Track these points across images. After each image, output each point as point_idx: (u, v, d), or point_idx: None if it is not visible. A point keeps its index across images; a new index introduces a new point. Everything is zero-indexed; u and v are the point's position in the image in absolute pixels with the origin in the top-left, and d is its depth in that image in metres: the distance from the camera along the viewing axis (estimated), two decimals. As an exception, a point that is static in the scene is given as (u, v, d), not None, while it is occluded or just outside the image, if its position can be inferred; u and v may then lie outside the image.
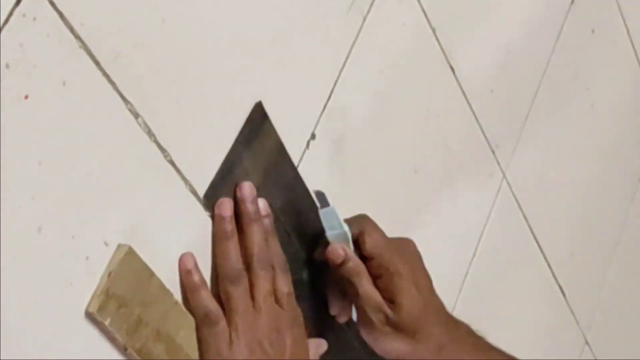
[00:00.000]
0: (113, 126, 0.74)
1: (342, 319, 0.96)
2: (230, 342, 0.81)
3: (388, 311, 0.91)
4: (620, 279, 1.57)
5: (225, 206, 0.83)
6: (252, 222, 0.84)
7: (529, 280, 1.34)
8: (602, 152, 1.48)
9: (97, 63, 0.72)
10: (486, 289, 1.01)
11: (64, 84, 0.70)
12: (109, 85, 0.73)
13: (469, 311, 1.21)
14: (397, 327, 0.91)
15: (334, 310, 0.96)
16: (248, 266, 0.84)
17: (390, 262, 0.92)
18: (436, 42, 1.09)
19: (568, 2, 1.32)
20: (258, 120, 0.87)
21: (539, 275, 1.37)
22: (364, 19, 0.98)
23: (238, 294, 0.82)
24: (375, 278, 0.92)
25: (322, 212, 0.92)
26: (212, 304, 0.81)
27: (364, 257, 0.93)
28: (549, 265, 1.37)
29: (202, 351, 0.81)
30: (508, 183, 1.26)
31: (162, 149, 0.79)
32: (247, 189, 0.85)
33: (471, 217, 1.21)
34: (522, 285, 1.33)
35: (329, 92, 0.96)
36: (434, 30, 1.08)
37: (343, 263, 0.92)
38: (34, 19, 0.67)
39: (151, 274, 0.77)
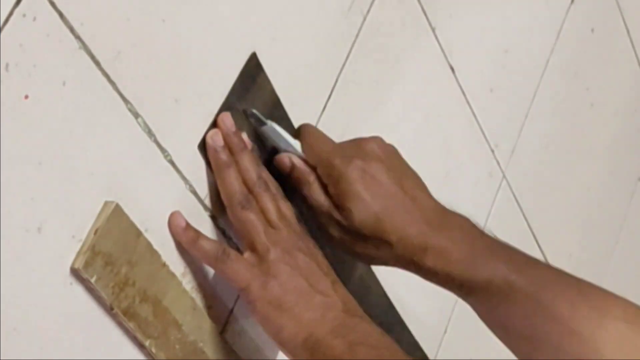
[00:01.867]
0: (113, 126, 0.74)
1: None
2: (260, 259, 0.81)
3: (339, 217, 0.86)
4: (620, 279, 1.57)
5: (218, 137, 0.82)
6: (241, 152, 0.83)
7: (528, 280, 1.34)
8: (602, 152, 1.48)
9: (97, 63, 0.72)
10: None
11: (64, 84, 0.70)
12: (109, 85, 0.73)
13: (468, 311, 1.21)
14: (354, 234, 0.86)
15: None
16: (252, 192, 0.83)
17: (333, 167, 0.86)
18: (436, 42, 1.09)
19: (568, 2, 1.32)
20: (253, 72, 0.86)
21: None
22: (364, 19, 0.98)
23: (253, 215, 0.82)
24: (325, 186, 0.86)
25: (265, 130, 0.87)
26: (214, 244, 0.81)
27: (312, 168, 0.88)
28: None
29: (235, 286, 0.81)
30: (508, 183, 1.26)
31: (162, 149, 0.79)
32: (228, 121, 0.83)
33: (471, 217, 1.21)
34: (522, 285, 1.32)
35: (329, 92, 0.96)
36: (434, 30, 1.08)
37: (290, 172, 0.87)
38: (34, 19, 0.67)
39: (139, 233, 0.77)
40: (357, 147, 0.88)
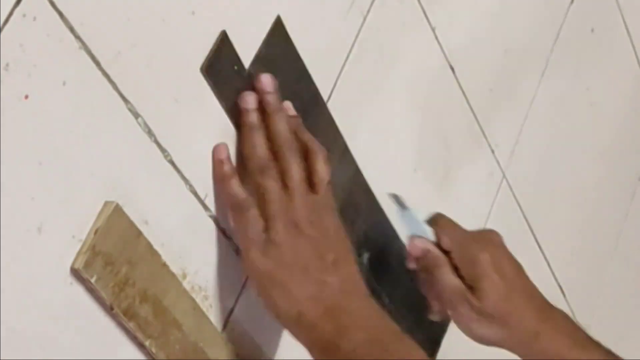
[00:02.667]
0: (113, 126, 0.74)
1: (437, 318, 0.99)
2: (267, 227, 0.81)
3: (471, 298, 0.93)
4: (620, 278, 1.57)
5: (249, 99, 0.83)
6: (274, 112, 0.83)
7: (528, 280, 1.34)
8: (602, 152, 1.48)
9: (97, 63, 0.72)
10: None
11: (64, 84, 0.70)
12: (109, 85, 0.73)
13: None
14: (484, 314, 0.93)
15: (434, 315, 0.98)
16: (277, 154, 0.83)
17: (468, 251, 0.94)
18: (436, 42, 1.09)
19: (568, 1, 1.32)
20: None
21: (539, 275, 1.36)
22: (364, 19, 0.98)
23: (268, 182, 0.82)
24: (457, 269, 0.94)
25: (402, 215, 0.95)
26: (241, 193, 0.81)
27: (444, 252, 0.95)
28: (549, 265, 1.37)
29: (240, 240, 0.82)
30: (508, 183, 1.26)
31: (162, 149, 0.79)
32: (266, 80, 0.83)
33: (471, 217, 1.21)
34: (522, 285, 1.32)
35: (329, 92, 0.96)
36: (434, 30, 1.08)
37: (424, 256, 0.95)
38: (34, 19, 0.67)
39: (138, 233, 0.77)
40: (484, 234, 0.99)
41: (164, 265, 0.79)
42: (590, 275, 1.50)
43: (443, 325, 1.11)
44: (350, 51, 0.97)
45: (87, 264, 0.72)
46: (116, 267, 0.75)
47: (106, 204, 0.74)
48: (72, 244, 0.72)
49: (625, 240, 1.58)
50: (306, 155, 0.84)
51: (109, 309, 0.75)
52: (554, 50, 1.30)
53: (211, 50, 0.81)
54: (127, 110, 0.75)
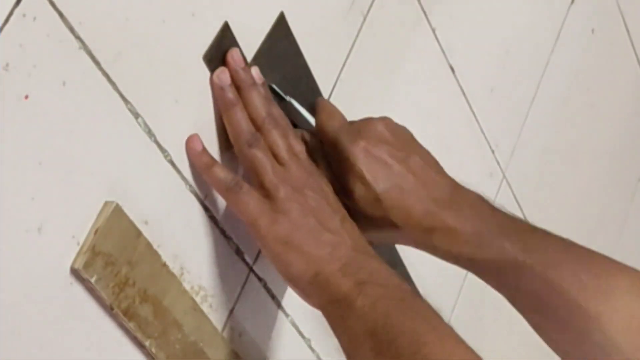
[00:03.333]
0: (113, 126, 0.74)
1: None
2: (269, 196, 0.80)
3: (343, 198, 0.85)
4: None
5: (224, 75, 0.82)
6: (250, 88, 0.83)
7: (529, 280, 1.34)
8: (602, 152, 1.48)
9: (97, 63, 0.72)
10: (486, 289, 1.00)
11: (64, 84, 0.70)
12: (109, 85, 0.73)
13: (468, 311, 1.21)
14: (360, 214, 0.85)
15: None
16: (260, 128, 0.83)
17: (338, 146, 0.86)
18: (436, 42, 1.09)
19: (568, 2, 1.32)
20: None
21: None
22: (364, 19, 0.98)
23: (261, 153, 0.81)
24: (332, 164, 0.87)
25: (284, 106, 0.88)
26: (228, 174, 0.81)
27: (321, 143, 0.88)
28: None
29: (245, 218, 0.81)
30: (508, 183, 1.26)
31: (162, 149, 0.79)
32: (237, 57, 0.83)
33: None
34: (522, 285, 1.32)
35: (329, 92, 0.96)
36: (433, 30, 1.08)
37: None
38: (34, 19, 0.67)
39: (138, 233, 0.77)
40: (364, 127, 0.87)
41: (164, 265, 0.79)
42: (590, 276, 1.50)
43: None
44: (350, 51, 0.97)
45: (87, 264, 0.72)
46: (116, 267, 0.75)
47: (106, 204, 0.74)
48: (72, 243, 0.72)
49: (625, 241, 1.58)
50: None
51: (109, 309, 0.75)
52: (554, 50, 1.30)
53: (214, 40, 0.81)
54: (127, 110, 0.75)
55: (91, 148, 0.73)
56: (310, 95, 0.92)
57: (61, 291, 0.72)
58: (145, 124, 0.77)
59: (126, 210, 0.75)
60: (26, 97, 0.67)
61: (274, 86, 0.87)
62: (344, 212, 0.84)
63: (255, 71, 0.84)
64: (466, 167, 1.18)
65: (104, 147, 0.74)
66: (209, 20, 0.81)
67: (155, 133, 0.78)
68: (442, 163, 1.14)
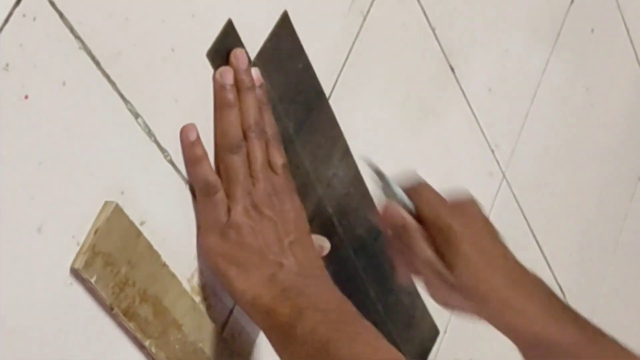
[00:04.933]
0: (113, 126, 0.74)
1: (404, 281, 0.95)
2: (228, 209, 0.81)
3: (445, 272, 0.88)
4: (620, 278, 1.57)
5: (228, 74, 0.82)
6: (247, 91, 0.83)
7: (528, 280, 1.34)
8: (602, 152, 1.48)
9: (97, 63, 0.72)
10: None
11: (64, 84, 0.70)
12: (109, 85, 0.73)
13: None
14: (456, 288, 0.89)
15: (401, 277, 0.94)
16: (244, 135, 0.83)
17: (443, 222, 0.89)
18: (436, 42, 1.09)
19: (568, 2, 1.32)
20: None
21: (539, 275, 1.36)
22: (364, 19, 0.98)
23: (238, 162, 0.82)
24: (433, 239, 0.90)
25: (379, 183, 0.91)
26: (212, 175, 0.81)
27: (419, 221, 0.90)
28: (549, 265, 1.37)
29: (201, 221, 0.81)
30: (508, 183, 1.26)
31: (162, 149, 0.79)
32: (242, 57, 0.83)
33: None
34: (522, 285, 1.32)
35: (329, 92, 0.95)
36: (433, 30, 1.08)
37: (396, 223, 0.90)
38: (34, 19, 0.67)
39: (138, 233, 0.77)
40: (461, 206, 0.91)
41: (164, 265, 0.79)
42: (590, 275, 1.50)
43: (434, 333, 1.10)
44: (350, 51, 0.97)
45: (87, 264, 0.72)
46: (116, 267, 0.75)
47: (106, 204, 0.74)
48: (71, 244, 0.72)
49: (625, 240, 1.58)
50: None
51: (108, 309, 0.75)
52: (554, 50, 1.30)
53: (217, 37, 0.81)
54: (127, 110, 0.75)
55: (91, 148, 0.73)
56: (315, 95, 0.91)
57: (61, 291, 0.72)
58: (145, 124, 0.77)
59: (126, 210, 0.76)
60: (26, 97, 0.67)
61: (378, 166, 0.90)
62: (302, 232, 0.84)
63: (255, 73, 0.84)
64: (466, 167, 1.18)
65: (104, 147, 0.74)
66: (209, 19, 0.81)
67: (155, 133, 0.78)
68: (442, 163, 1.14)
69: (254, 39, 0.85)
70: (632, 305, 1.63)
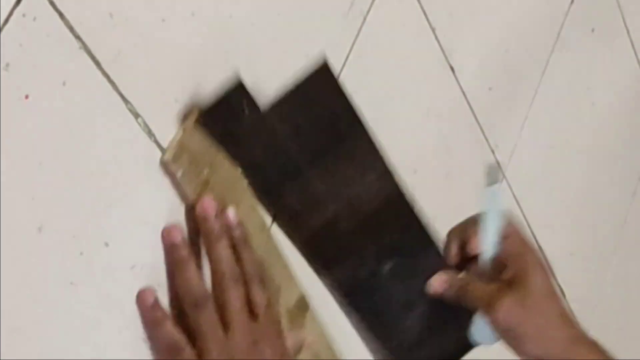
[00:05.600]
0: (113, 126, 0.74)
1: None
2: None
3: (514, 289, 0.90)
4: (620, 278, 1.57)
5: (174, 233, 0.79)
6: (217, 240, 0.80)
7: (529, 280, 1.34)
8: (602, 152, 1.48)
9: (97, 63, 0.72)
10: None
11: (64, 84, 0.70)
12: (109, 85, 0.73)
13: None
14: (527, 304, 0.90)
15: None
16: (218, 284, 0.79)
17: (521, 249, 0.93)
18: (436, 42, 1.09)
19: (568, 1, 1.32)
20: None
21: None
22: (364, 19, 0.98)
23: (205, 318, 0.78)
24: (497, 269, 0.93)
25: (489, 190, 0.94)
26: (176, 335, 0.77)
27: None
28: (548, 265, 1.37)
29: (198, 340, 0.78)
30: (508, 183, 1.26)
31: (162, 149, 0.79)
32: (208, 204, 0.80)
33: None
34: (522, 285, 1.32)
35: (329, 92, 0.96)
36: (433, 30, 1.08)
37: (445, 291, 0.95)
38: (34, 19, 0.67)
39: (218, 149, 0.80)
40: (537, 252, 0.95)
41: (241, 178, 0.82)
42: (590, 275, 1.50)
43: (467, 343, 1.10)
44: (350, 51, 0.97)
45: (175, 158, 0.76)
46: (199, 168, 0.78)
47: (192, 109, 0.79)
48: (72, 243, 0.72)
49: (625, 240, 1.58)
50: (244, 279, 0.81)
51: (189, 207, 0.77)
52: (554, 50, 1.30)
53: (222, 96, 0.80)
54: (127, 110, 0.75)
55: (91, 148, 0.73)
56: (350, 127, 0.92)
57: (61, 291, 0.72)
58: (145, 124, 0.77)
59: (126, 209, 0.76)
60: (26, 97, 0.67)
61: (497, 169, 0.91)
62: None
63: (231, 214, 0.81)
64: (466, 167, 1.18)
65: (104, 147, 0.74)
66: (209, 19, 0.81)
67: (155, 133, 0.78)
68: (442, 163, 1.14)
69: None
70: (632, 305, 1.63)
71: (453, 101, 1.14)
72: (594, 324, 1.48)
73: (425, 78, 1.09)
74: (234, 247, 0.81)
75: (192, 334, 0.78)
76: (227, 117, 0.80)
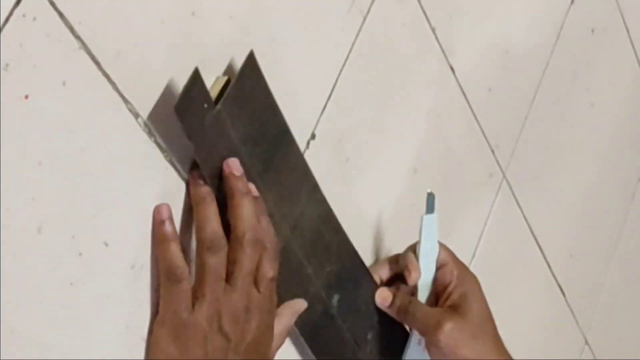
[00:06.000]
0: (113, 126, 0.74)
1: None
2: (192, 306, 0.77)
3: (458, 314, 0.97)
4: (620, 279, 1.57)
5: (198, 174, 0.79)
6: (243, 196, 0.79)
7: (528, 281, 1.34)
8: (602, 152, 1.48)
9: (97, 63, 0.72)
10: (486, 289, 1.00)
11: (64, 84, 0.70)
12: (109, 85, 0.73)
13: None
14: (468, 329, 0.96)
15: None
16: (236, 241, 0.79)
17: (463, 272, 1.00)
18: (436, 42, 1.09)
19: (568, 2, 1.32)
20: (250, 72, 0.83)
21: (539, 275, 1.37)
22: (364, 19, 0.98)
23: (213, 262, 0.77)
24: (440, 290, 0.99)
25: (425, 218, 0.99)
26: (179, 261, 0.77)
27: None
28: (548, 266, 1.37)
29: (160, 308, 0.77)
30: (508, 183, 1.26)
31: (162, 149, 0.79)
32: (235, 164, 0.80)
33: (471, 217, 1.21)
34: (522, 285, 1.33)
35: (329, 92, 0.96)
36: (433, 30, 1.08)
37: (391, 304, 0.99)
38: (34, 19, 0.67)
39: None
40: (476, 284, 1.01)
41: None
42: (590, 275, 1.50)
43: None
44: (350, 51, 0.97)
45: None
46: None
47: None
48: (72, 243, 0.72)
49: (625, 240, 1.58)
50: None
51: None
52: (554, 50, 1.30)
53: (184, 88, 0.77)
54: (127, 110, 0.75)
55: (91, 148, 0.73)
56: (280, 134, 0.88)
57: (61, 292, 0.72)
58: (145, 124, 0.77)
59: (125, 209, 0.76)
60: (26, 97, 0.67)
61: (434, 196, 0.98)
62: (255, 357, 0.80)
63: (252, 187, 0.82)
64: (466, 167, 1.18)
65: (104, 147, 0.74)
66: (209, 19, 0.81)
67: (155, 133, 0.78)
68: (442, 163, 1.14)
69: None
70: (632, 305, 1.63)
71: (453, 101, 1.14)
72: (594, 323, 1.49)
73: (425, 78, 1.09)
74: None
75: (196, 272, 0.78)
76: (192, 112, 0.78)
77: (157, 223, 0.77)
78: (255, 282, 0.80)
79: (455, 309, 0.97)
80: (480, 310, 0.98)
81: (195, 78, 0.78)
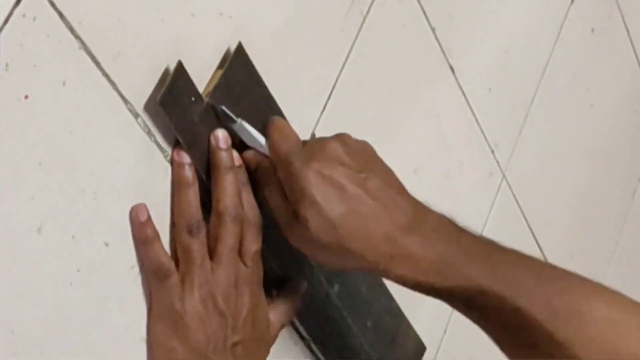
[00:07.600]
0: (113, 126, 0.74)
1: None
2: (183, 295, 0.77)
3: (296, 225, 0.78)
4: (620, 279, 1.57)
5: (184, 154, 0.78)
6: (226, 171, 0.78)
7: (528, 280, 1.34)
8: (602, 152, 1.48)
9: (97, 63, 0.72)
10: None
11: (64, 84, 0.70)
12: (109, 85, 0.73)
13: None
14: (315, 243, 0.78)
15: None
16: (217, 216, 0.78)
17: (290, 169, 0.78)
18: (436, 42, 1.09)
19: (568, 2, 1.32)
20: (241, 65, 0.83)
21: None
22: (364, 19, 0.98)
23: (196, 245, 0.77)
24: (285, 189, 0.79)
25: (234, 127, 0.81)
26: (164, 258, 0.77)
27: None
28: (548, 265, 1.37)
29: (152, 306, 0.77)
30: (508, 183, 1.26)
31: (162, 149, 0.79)
32: (222, 136, 0.79)
33: (471, 217, 1.21)
34: (522, 285, 1.32)
35: (329, 92, 0.96)
36: (433, 30, 1.08)
37: (255, 171, 0.82)
38: (34, 19, 0.67)
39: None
40: (318, 147, 0.80)
41: None
42: (590, 275, 1.50)
43: (421, 349, 1.09)
44: (350, 51, 0.97)
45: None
46: None
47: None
48: (72, 243, 0.72)
49: (625, 240, 1.58)
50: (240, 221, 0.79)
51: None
52: (554, 50, 1.30)
53: (168, 83, 0.76)
54: (127, 110, 0.75)
55: (91, 148, 0.73)
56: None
57: (61, 293, 0.72)
58: (145, 124, 0.77)
59: (124, 209, 0.76)
60: (26, 97, 0.67)
61: (224, 108, 0.80)
62: (246, 335, 0.80)
63: (235, 153, 0.80)
64: (466, 167, 1.18)
65: (104, 146, 0.74)
66: (208, 19, 0.81)
67: (155, 133, 0.78)
68: (442, 163, 1.14)
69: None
70: (632, 305, 1.63)
71: (453, 101, 1.14)
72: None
73: (425, 78, 1.09)
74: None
75: (178, 260, 0.78)
76: (178, 106, 0.78)
77: (138, 225, 0.76)
78: (241, 256, 0.80)
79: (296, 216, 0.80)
80: (317, 216, 0.77)
81: (179, 71, 0.77)
